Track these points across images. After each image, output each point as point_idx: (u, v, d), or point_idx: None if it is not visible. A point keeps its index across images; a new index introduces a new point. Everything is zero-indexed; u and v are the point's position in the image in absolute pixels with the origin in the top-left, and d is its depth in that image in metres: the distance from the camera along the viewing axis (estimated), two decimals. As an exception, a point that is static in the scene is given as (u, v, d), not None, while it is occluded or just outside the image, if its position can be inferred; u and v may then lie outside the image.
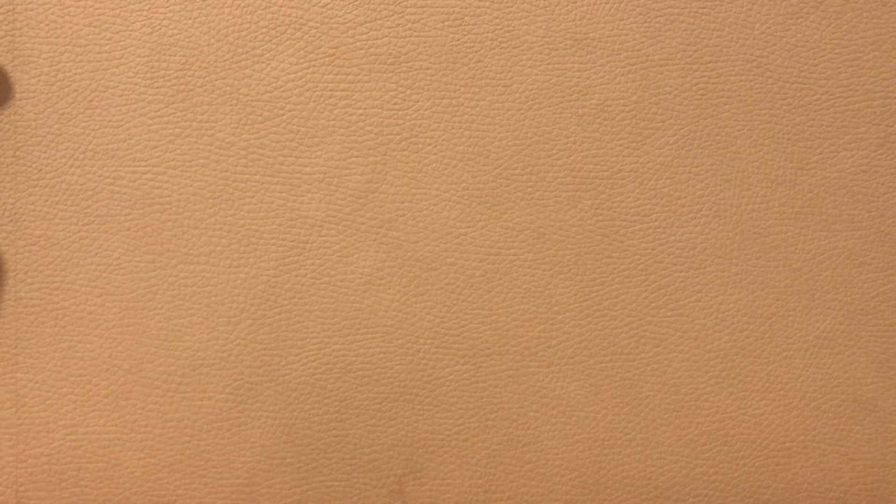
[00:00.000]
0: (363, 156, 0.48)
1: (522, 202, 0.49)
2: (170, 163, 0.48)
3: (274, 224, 0.48)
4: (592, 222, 0.49)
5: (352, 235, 0.49)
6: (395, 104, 0.48)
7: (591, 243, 0.49)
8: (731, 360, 0.50)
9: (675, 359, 0.50)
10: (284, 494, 0.49)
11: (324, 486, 0.50)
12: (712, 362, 0.50)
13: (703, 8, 0.49)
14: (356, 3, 0.48)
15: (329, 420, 0.49)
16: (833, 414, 0.51)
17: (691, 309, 0.50)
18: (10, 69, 0.47)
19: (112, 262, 0.48)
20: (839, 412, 0.51)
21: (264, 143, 0.48)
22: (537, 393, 0.50)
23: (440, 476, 0.50)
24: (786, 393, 0.50)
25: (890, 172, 0.50)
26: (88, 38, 0.47)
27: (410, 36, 0.48)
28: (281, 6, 0.48)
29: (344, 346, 0.49)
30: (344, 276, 0.49)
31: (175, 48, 0.47)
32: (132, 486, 0.49)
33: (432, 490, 0.50)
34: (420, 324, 0.49)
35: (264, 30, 0.48)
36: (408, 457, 0.50)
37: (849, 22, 0.49)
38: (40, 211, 0.48)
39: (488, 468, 0.50)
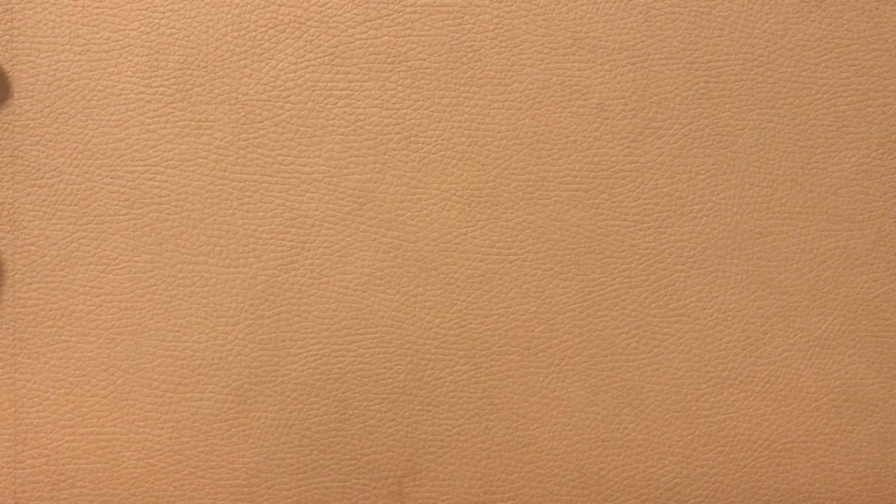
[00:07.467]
0: (363, 155, 0.48)
1: (522, 202, 0.49)
2: (169, 162, 0.48)
3: (274, 224, 0.48)
4: (592, 222, 0.49)
5: (352, 235, 0.49)
6: (395, 104, 0.48)
7: (591, 243, 0.49)
8: (732, 361, 0.50)
9: (676, 359, 0.50)
10: (284, 494, 0.49)
11: (323, 486, 0.50)
12: (713, 362, 0.50)
13: (703, 8, 0.49)
14: (356, 2, 0.48)
15: (329, 420, 0.49)
16: (833, 414, 0.51)
17: (691, 309, 0.50)
18: (8, 69, 0.47)
19: (111, 261, 0.48)
20: (839, 412, 0.51)
21: (264, 143, 0.48)
22: (537, 393, 0.50)
23: (440, 476, 0.50)
24: (786, 393, 0.50)
25: (890, 172, 0.50)
26: (87, 37, 0.47)
27: (410, 36, 0.48)
28: (280, 6, 0.48)
29: (344, 346, 0.49)
30: (344, 276, 0.49)
31: (174, 48, 0.47)
32: (131, 486, 0.49)
33: (432, 490, 0.50)
34: (420, 324, 0.49)
35: (263, 29, 0.48)
36: (408, 457, 0.50)
37: (849, 22, 0.49)
38: (39, 211, 0.48)
39: (488, 468, 0.50)
